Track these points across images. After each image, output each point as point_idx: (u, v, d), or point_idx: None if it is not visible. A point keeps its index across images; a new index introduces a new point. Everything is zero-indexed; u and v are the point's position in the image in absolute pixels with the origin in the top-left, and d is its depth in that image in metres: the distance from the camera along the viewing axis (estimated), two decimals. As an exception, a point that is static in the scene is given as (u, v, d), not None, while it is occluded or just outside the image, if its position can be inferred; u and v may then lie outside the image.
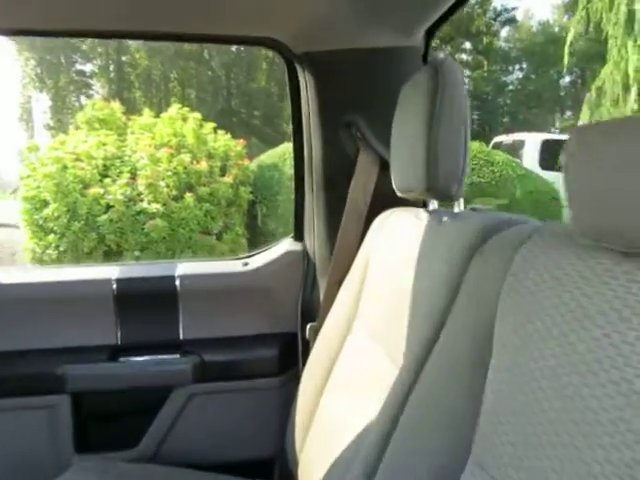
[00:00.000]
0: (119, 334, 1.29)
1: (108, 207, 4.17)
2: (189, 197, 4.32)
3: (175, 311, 1.31)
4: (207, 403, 1.29)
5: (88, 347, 1.27)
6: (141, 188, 4.24)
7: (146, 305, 1.31)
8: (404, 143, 0.87)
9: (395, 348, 0.80)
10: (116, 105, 5.24)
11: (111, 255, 4.25)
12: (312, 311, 1.29)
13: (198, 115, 5.08)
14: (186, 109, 5.13)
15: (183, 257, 4.34)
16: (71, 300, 1.28)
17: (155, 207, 4.16)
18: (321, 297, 1.27)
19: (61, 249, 4.18)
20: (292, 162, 5.03)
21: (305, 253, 1.34)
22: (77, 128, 5.12)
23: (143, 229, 4.17)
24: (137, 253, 4.19)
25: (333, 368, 1.05)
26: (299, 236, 1.37)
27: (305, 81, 1.21)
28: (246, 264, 1.35)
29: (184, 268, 1.33)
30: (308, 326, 1.23)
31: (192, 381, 1.27)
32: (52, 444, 1.24)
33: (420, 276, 0.77)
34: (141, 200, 4.23)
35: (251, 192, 4.95)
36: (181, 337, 1.32)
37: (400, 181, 0.89)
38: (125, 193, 4.19)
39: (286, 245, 1.37)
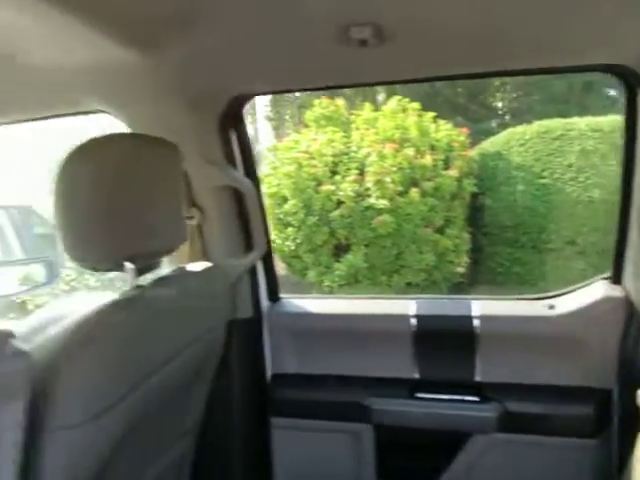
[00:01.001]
0: (417, 369, 1.31)
1: (339, 203, 4.41)
2: (414, 192, 4.31)
3: (472, 351, 1.27)
4: (508, 455, 1.24)
5: (389, 379, 1.32)
6: (369, 184, 4.37)
7: (442, 343, 1.30)
8: None
9: None
10: (340, 102, 5.48)
11: (340, 248, 4.51)
12: (637, 370, 1.12)
13: (417, 105, 5.01)
14: (406, 100, 5.10)
15: (407, 251, 4.37)
16: (374, 332, 1.34)
17: (382, 203, 4.26)
18: (652, 356, 1.09)
19: (297, 241, 4.59)
20: (518, 149, 4.56)
21: (627, 300, 1.17)
22: (306, 126, 5.51)
23: (370, 224, 4.31)
24: (363, 248, 4.37)
25: None
26: (617, 279, 1.21)
27: None
28: (552, 307, 1.24)
29: (482, 307, 1.28)
30: None
31: (494, 430, 1.22)
32: (356, 468, 1.34)
33: None
34: (368, 196, 4.37)
35: (475, 184, 4.74)
36: (477, 379, 1.28)
37: None
38: (354, 189, 4.37)
39: (601, 289, 1.21)
